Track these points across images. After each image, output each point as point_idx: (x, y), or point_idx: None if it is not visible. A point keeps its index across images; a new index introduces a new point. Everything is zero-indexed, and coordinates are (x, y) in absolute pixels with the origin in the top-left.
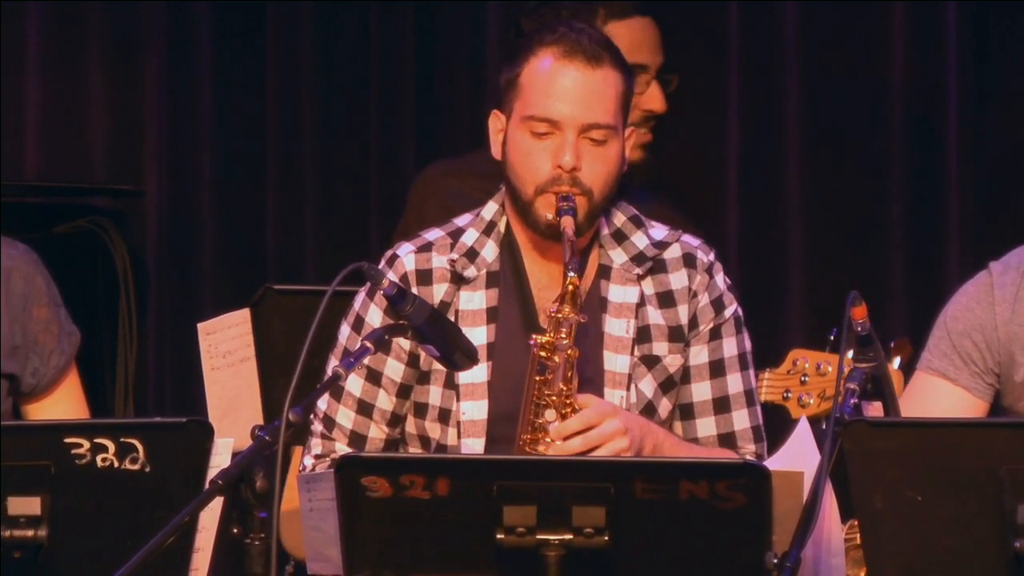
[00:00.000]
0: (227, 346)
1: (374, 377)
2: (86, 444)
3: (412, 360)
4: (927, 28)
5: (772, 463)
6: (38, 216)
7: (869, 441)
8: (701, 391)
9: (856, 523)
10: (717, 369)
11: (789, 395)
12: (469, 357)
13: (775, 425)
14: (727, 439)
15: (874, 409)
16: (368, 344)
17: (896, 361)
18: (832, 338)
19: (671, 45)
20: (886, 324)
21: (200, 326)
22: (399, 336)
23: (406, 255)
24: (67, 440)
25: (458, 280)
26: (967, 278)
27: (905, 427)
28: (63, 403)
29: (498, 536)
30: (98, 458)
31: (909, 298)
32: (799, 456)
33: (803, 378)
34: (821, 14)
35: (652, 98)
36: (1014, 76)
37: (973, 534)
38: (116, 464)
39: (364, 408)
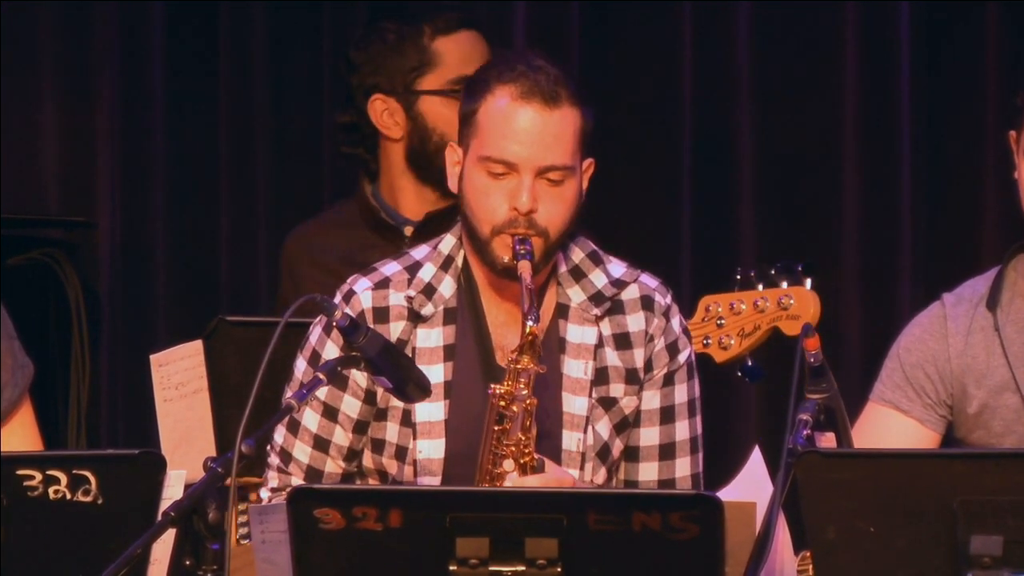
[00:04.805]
0: (180, 377)
1: (330, 413)
2: (38, 476)
3: (368, 397)
4: (880, 77)
5: (725, 494)
6: None
7: (822, 472)
8: (649, 436)
9: (809, 554)
10: (667, 415)
11: (709, 341)
12: (422, 389)
13: (729, 452)
14: (667, 485)
15: (827, 440)
16: (321, 375)
17: (808, 282)
18: (738, 276)
19: (625, 53)
20: (839, 355)
21: (153, 358)
22: (352, 368)
23: (363, 292)
24: (19, 472)
25: (415, 318)
26: (919, 309)
27: (858, 458)
28: (16, 436)
29: (451, 568)
30: (50, 490)
31: (862, 329)
32: (752, 487)
33: (719, 321)
34: (773, 50)
35: None
36: (966, 98)
37: (926, 565)
38: (68, 496)
39: (320, 443)
